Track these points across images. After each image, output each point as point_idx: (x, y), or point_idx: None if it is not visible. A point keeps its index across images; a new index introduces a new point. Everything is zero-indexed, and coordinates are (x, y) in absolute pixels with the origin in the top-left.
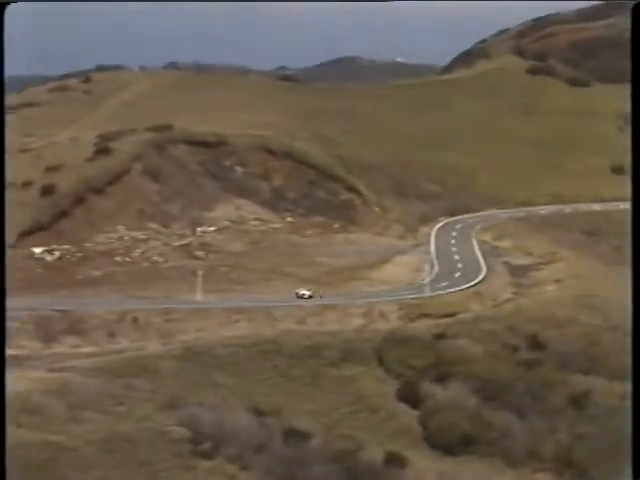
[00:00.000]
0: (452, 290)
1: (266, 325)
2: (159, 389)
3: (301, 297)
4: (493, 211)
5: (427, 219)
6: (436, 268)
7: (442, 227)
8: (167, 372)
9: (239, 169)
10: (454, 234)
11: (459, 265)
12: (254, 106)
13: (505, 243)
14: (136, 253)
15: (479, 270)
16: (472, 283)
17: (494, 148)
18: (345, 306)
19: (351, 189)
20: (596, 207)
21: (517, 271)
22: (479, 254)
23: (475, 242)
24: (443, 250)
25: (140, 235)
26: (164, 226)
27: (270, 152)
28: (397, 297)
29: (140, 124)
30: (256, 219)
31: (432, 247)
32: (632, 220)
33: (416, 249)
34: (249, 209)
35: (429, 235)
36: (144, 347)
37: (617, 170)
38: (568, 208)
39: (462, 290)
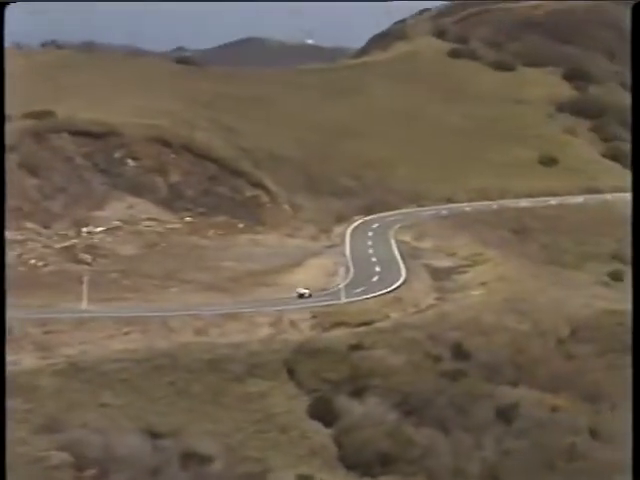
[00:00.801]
0: (369, 296)
1: (161, 337)
2: (36, 409)
3: (301, 296)
4: (413, 208)
5: (342, 218)
6: (352, 272)
7: (358, 227)
8: (46, 390)
9: (131, 163)
10: (371, 234)
11: (377, 268)
12: (147, 92)
13: (426, 243)
14: (11, 256)
15: (399, 274)
16: (391, 288)
17: (413, 138)
18: (251, 315)
19: (258, 185)
20: (524, 203)
21: (440, 274)
22: (398, 256)
23: (394, 243)
24: (359, 252)
25: (16, 236)
26: (44, 226)
27: (166, 144)
28: (309, 304)
29: (15, 110)
30: (150, 219)
31: (347, 249)
32: (632, 220)
33: (330, 251)
34: (142, 208)
35: (344, 236)
36: (19, 362)
37: (545, 162)
38: (494, 204)
39: (380, 296)
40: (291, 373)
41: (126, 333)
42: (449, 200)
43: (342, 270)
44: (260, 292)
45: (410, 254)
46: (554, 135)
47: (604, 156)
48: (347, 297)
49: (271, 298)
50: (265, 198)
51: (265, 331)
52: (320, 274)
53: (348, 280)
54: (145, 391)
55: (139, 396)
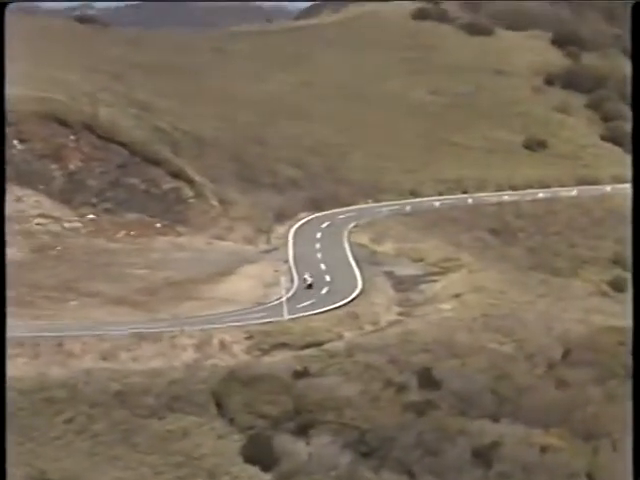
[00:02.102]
0: (318, 311)
1: (57, 363)
2: None
3: (310, 287)
4: (371, 204)
5: (284, 215)
6: (296, 282)
7: (304, 226)
8: None
9: (18, 146)
10: (319, 235)
11: (327, 277)
12: (40, 57)
13: (387, 247)
14: None
15: (354, 284)
16: (344, 301)
17: (370, 118)
18: (172, 335)
19: (179, 176)
20: (506, 197)
21: (404, 284)
22: (353, 262)
23: (348, 246)
24: (305, 257)
25: None
26: None
27: (62, 123)
28: (244, 322)
29: None
30: (43, 216)
31: (290, 253)
32: (632, 220)
33: (269, 256)
34: (33, 202)
35: (287, 237)
36: None
37: (532, 146)
38: (470, 199)
39: (331, 311)
40: (221, 407)
41: (11, 358)
42: (414, 194)
43: (284, 279)
44: (182, 307)
45: (368, 260)
46: (542, 113)
47: (603, 138)
48: (290, 313)
49: (196, 314)
50: (188, 191)
51: (189, 355)
52: (257, 285)
53: (292, 292)
54: (35, 430)
55: (27, 436)
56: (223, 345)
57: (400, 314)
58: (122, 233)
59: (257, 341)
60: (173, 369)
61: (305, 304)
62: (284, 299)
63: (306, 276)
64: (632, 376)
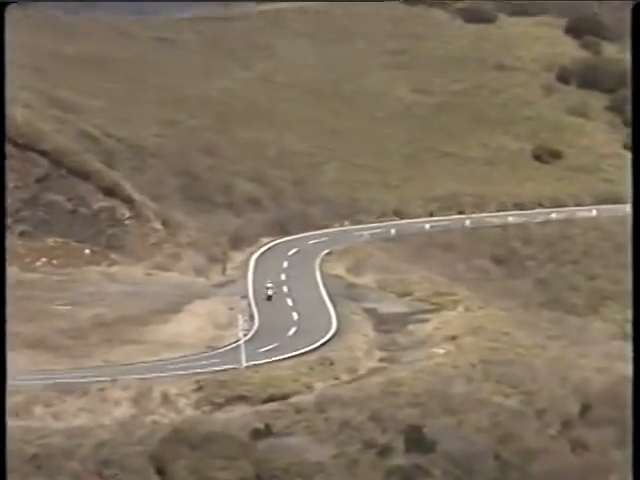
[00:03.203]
0: (284, 357)
1: None
2: None
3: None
4: (348, 226)
5: (242, 241)
6: (257, 321)
7: (267, 253)
8: None
9: None
10: (286, 265)
11: (294, 315)
12: None
13: (368, 279)
14: None
15: (327, 323)
16: (316, 344)
17: (346, 122)
18: (102, 386)
19: (113, 192)
20: (511, 218)
21: (388, 324)
22: (326, 297)
23: (320, 278)
24: (269, 292)
25: None
26: None
27: None
28: (192, 370)
29: None
30: None
31: (250, 287)
32: (633, 219)
33: (224, 290)
34: None
35: (246, 267)
36: None
37: (542, 156)
38: (467, 220)
39: (300, 356)
40: (163, 473)
41: None
42: (400, 214)
43: (242, 318)
44: (116, 352)
45: (344, 294)
46: (554, 117)
47: (627, 147)
48: (250, 359)
49: (133, 361)
50: (124, 211)
51: (123, 411)
52: (208, 325)
53: (251, 333)
54: None
55: None
56: (166, 398)
57: (383, 360)
58: (42, 261)
59: (208, 393)
60: (103, 428)
61: (268, 348)
62: (242, 342)
63: (268, 284)
64: (632, 377)
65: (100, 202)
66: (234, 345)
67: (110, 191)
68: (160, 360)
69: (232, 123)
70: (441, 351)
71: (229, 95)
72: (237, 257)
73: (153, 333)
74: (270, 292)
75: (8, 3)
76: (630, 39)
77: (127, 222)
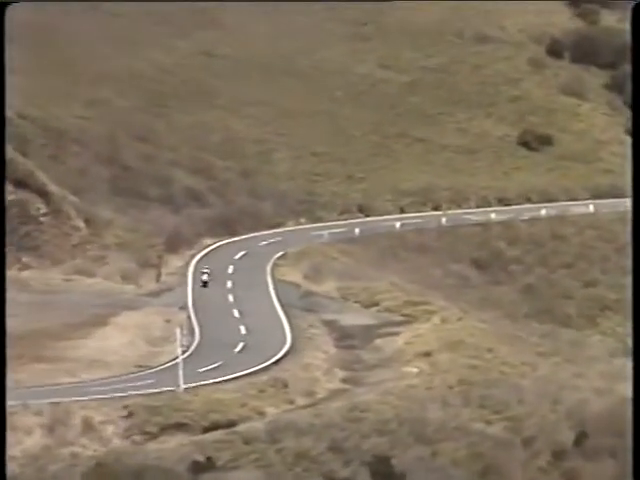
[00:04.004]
0: (229, 377)
1: None
2: None
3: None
4: (305, 224)
5: (181, 242)
6: (198, 336)
7: (210, 257)
8: None
9: None
10: (232, 270)
11: (242, 329)
12: None
13: (328, 286)
14: None
15: (280, 338)
16: (267, 363)
17: (302, 104)
18: (10, 411)
19: (26, 183)
20: (494, 215)
21: (352, 339)
22: (279, 308)
23: (272, 285)
24: (212, 301)
25: None
26: None
27: None
28: (120, 393)
29: None
30: None
31: (190, 296)
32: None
33: (159, 300)
34: None
35: (184, 273)
36: None
37: (531, 142)
38: (443, 217)
39: (248, 376)
40: None
41: None
42: (365, 210)
43: (179, 332)
44: (26, 371)
45: (300, 304)
46: (545, 97)
47: (629, 133)
48: (189, 380)
49: (48, 382)
50: (39, 206)
51: (35, 441)
52: (140, 340)
53: (191, 350)
54: None
55: None
56: (88, 426)
57: (346, 381)
58: None
59: (139, 420)
60: (10, 460)
61: (211, 367)
62: (180, 360)
63: (204, 275)
64: (632, 375)
65: (10, 195)
66: (170, 364)
67: (22, 182)
68: (81, 381)
69: (168, 104)
70: (413, 370)
71: (164, 70)
72: (174, 261)
73: (72, 350)
74: (205, 277)
75: (8, 3)
76: (630, 39)
77: (43, 219)
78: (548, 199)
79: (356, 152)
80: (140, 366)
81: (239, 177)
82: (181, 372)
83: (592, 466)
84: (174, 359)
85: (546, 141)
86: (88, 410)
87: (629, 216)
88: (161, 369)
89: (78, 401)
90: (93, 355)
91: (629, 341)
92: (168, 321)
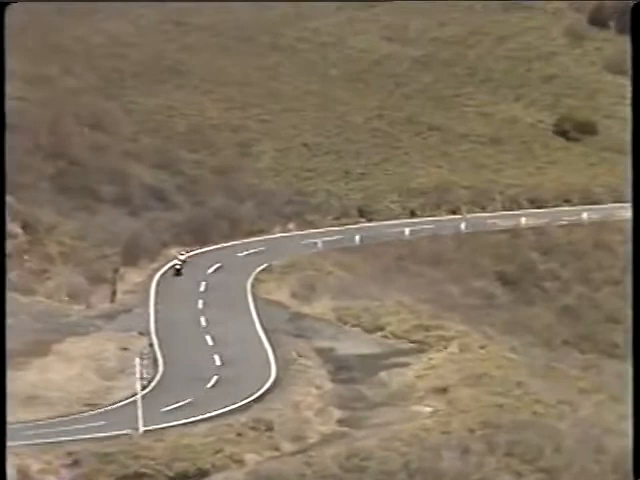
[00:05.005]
0: (199, 418)
1: None
2: None
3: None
4: (293, 231)
5: (141, 252)
6: (161, 367)
7: (177, 270)
8: None
9: None
10: (204, 287)
11: (216, 359)
12: None
13: (322, 307)
14: None
15: (263, 370)
16: (247, 401)
17: (290, 84)
18: None
19: None
20: (525, 219)
21: (350, 371)
22: (262, 333)
23: (253, 305)
24: (179, 325)
25: None
26: None
27: None
28: (65, 437)
29: None
30: None
31: (152, 319)
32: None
33: (114, 324)
34: None
35: (146, 291)
36: None
37: (569, 131)
38: (462, 222)
39: (223, 417)
40: None
41: None
42: (367, 214)
43: (141, 363)
44: None
45: (287, 329)
46: (585, 75)
47: None
48: (151, 421)
49: None
50: None
51: None
52: (90, 372)
53: (153, 385)
54: None
55: None
56: (24, 476)
57: (343, 422)
58: None
59: (88, 469)
60: None
61: (177, 405)
62: (139, 397)
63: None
64: (632, 373)
65: None
66: (127, 401)
67: None
68: (15, 422)
69: (127, 83)
70: (426, 409)
71: (122, 43)
72: (133, 276)
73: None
74: (178, 266)
75: (8, 3)
76: (630, 39)
77: None
78: (590, 200)
79: (355, 143)
80: (89, 404)
81: (213, 173)
82: (140, 411)
83: None
84: (132, 396)
85: (588, 129)
86: (24, 458)
87: None
88: (116, 408)
89: (11, 447)
90: (31, 391)
91: None
92: (125, 349)
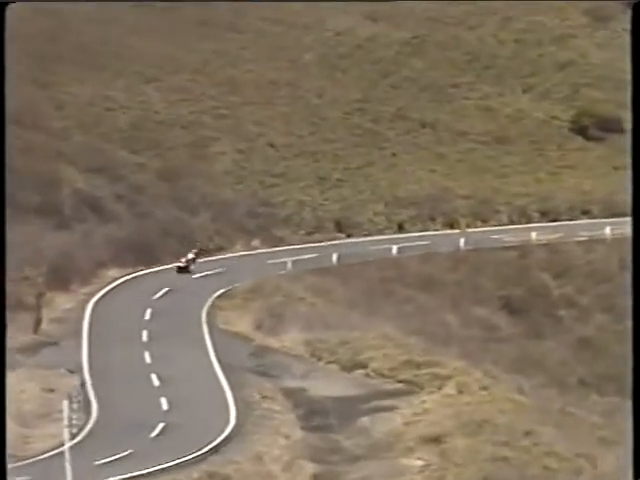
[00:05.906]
0: (141, 473)
1: None
2: None
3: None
4: (259, 249)
5: (72, 273)
6: (95, 412)
7: (116, 296)
8: None
9: None
10: (149, 316)
11: (163, 402)
12: None
13: (291, 339)
14: None
15: (221, 415)
16: (200, 452)
17: (254, 71)
18: None
19: None
20: (534, 234)
21: (325, 416)
22: (220, 371)
23: (209, 337)
24: (118, 362)
25: None
26: None
27: None
28: None
29: None
30: None
31: (85, 353)
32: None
33: (38, 359)
34: None
35: (78, 319)
36: None
37: (588, 129)
38: (461, 238)
39: (171, 471)
40: None
41: None
42: (346, 228)
43: (69, 407)
44: None
45: (250, 366)
46: (610, 63)
47: None
48: (82, 477)
49: None
50: None
51: None
52: (7, 417)
53: (85, 433)
54: None
55: None
56: None
57: (317, 479)
58: None
59: None
60: None
61: (115, 458)
62: (67, 448)
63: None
64: (632, 371)
65: None
66: (52, 452)
67: None
68: None
69: (56, 69)
70: (416, 463)
71: (47, 15)
72: (62, 302)
73: None
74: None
75: (8, 3)
76: (630, 39)
77: None
78: (614, 212)
79: (333, 142)
80: (8, 455)
81: (159, 179)
82: (68, 465)
83: None
84: (58, 446)
85: (612, 126)
86: None
87: None
88: (37, 460)
89: None
90: None
91: None
92: (50, 390)
